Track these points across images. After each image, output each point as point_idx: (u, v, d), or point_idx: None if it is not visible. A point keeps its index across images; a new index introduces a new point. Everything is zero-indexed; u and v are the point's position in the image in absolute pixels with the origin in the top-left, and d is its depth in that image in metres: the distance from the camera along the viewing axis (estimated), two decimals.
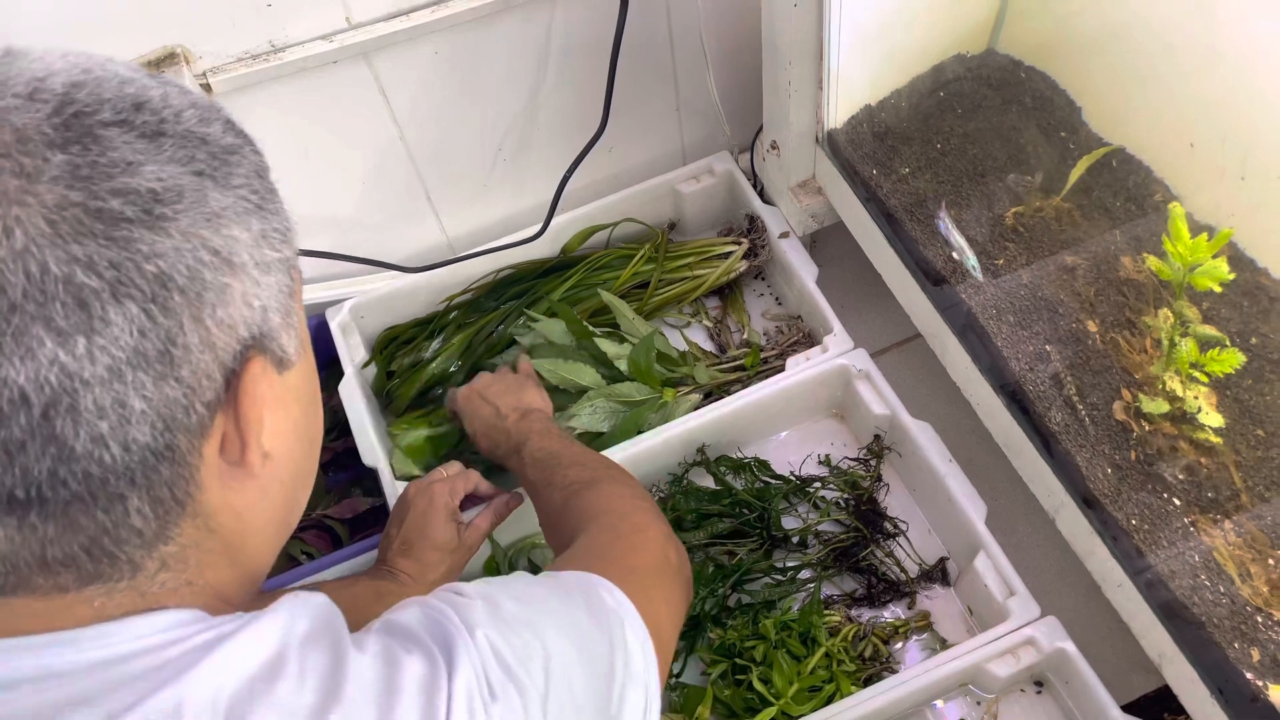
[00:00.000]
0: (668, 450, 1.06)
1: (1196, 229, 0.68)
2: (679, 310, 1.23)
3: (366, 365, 1.18)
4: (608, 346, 1.10)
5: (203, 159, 0.40)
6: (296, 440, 0.47)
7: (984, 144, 0.95)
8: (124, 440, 0.37)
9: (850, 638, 0.95)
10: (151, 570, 0.41)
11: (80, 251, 0.35)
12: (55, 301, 0.35)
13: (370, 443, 1.07)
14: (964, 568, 0.98)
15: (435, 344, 1.21)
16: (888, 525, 1.03)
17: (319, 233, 1.15)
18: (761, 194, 1.23)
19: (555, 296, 1.19)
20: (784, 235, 1.18)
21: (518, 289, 1.22)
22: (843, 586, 1.02)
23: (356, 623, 0.47)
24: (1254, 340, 0.72)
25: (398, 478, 1.05)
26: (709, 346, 1.20)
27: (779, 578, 1.01)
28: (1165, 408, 0.75)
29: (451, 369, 1.18)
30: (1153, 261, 0.70)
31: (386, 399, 1.18)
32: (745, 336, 1.20)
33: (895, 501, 1.06)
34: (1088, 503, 0.82)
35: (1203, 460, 0.74)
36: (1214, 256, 0.65)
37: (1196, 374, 0.71)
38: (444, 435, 1.10)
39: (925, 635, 0.98)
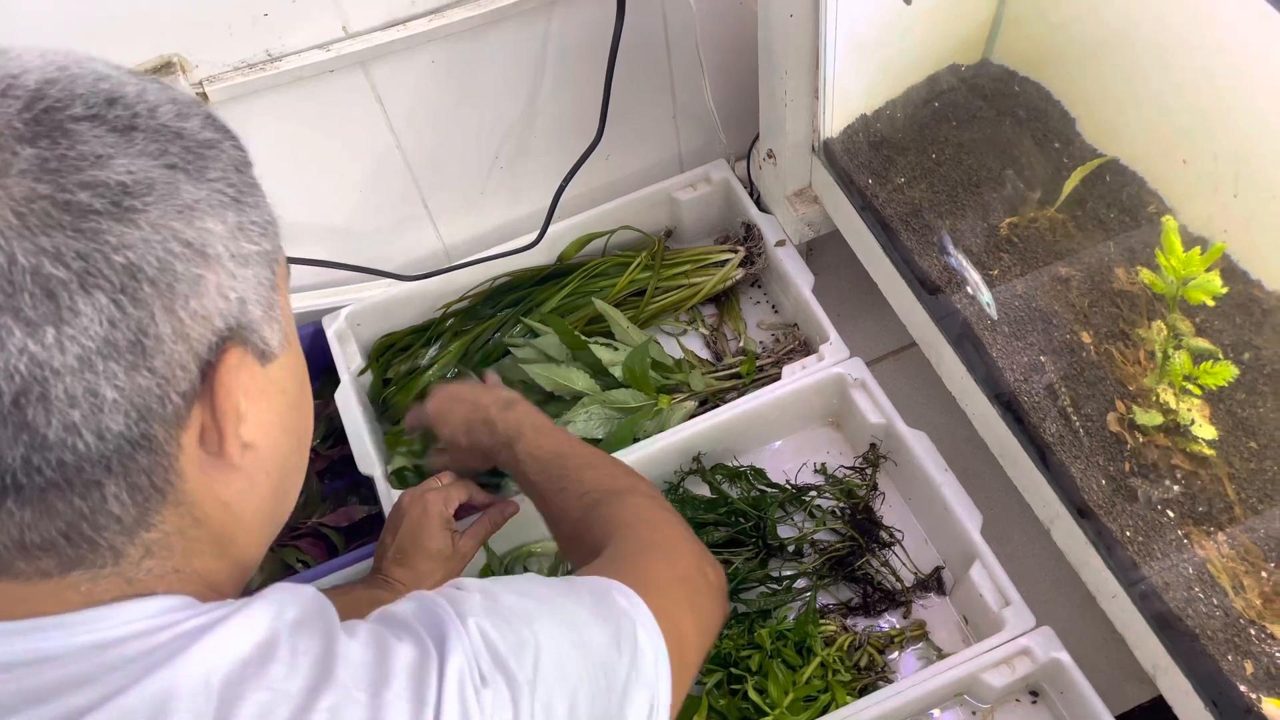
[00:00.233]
0: (663, 458, 1.06)
1: (1190, 241, 0.68)
2: (675, 318, 1.23)
3: (363, 373, 1.18)
4: (602, 353, 1.11)
5: (176, 153, 0.40)
6: (282, 433, 0.47)
7: (979, 154, 0.95)
8: (97, 428, 0.37)
9: (846, 647, 0.95)
10: (135, 557, 0.41)
11: (48, 243, 0.36)
12: (23, 292, 0.35)
13: (366, 450, 1.07)
14: (959, 577, 0.98)
15: (432, 351, 1.21)
16: (883, 534, 1.03)
17: (315, 241, 1.15)
18: (758, 202, 1.24)
19: (551, 304, 1.19)
20: (780, 243, 1.19)
21: (514, 296, 1.22)
22: (838, 596, 1.02)
23: None
24: (1246, 355, 0.72)
25: (393, 486, 1.05)
26: (705, 354, 1.20)
27: (775, 587, 1.01)
28: (1159, 420, 0.75)
29: (448, 376, 1.18)
30: (1146, 274, 0.71)
31: (383, 407, 1.18)
32: (741, 344, 1.20)
33: (891, 510, 1.06)
34: (1082, 513, 0.82)
35: (1196, 472, 0.74)
36: (1207, 270, 0.65)
37: (1190, 386, 0.71)
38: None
39: (921, 645, 0.98)
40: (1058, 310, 0.84)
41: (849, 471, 1.09)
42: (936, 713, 0.94)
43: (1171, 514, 0.75)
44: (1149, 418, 0.75)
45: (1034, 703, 0.93)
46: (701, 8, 1.07)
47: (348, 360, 1.15)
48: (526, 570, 1.05)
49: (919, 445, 1.00)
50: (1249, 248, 0.73)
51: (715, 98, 1.16)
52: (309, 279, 1.18)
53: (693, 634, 0.60)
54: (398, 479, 1.08)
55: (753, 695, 0.91)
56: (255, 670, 0.40)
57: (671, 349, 1.19)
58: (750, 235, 1.22)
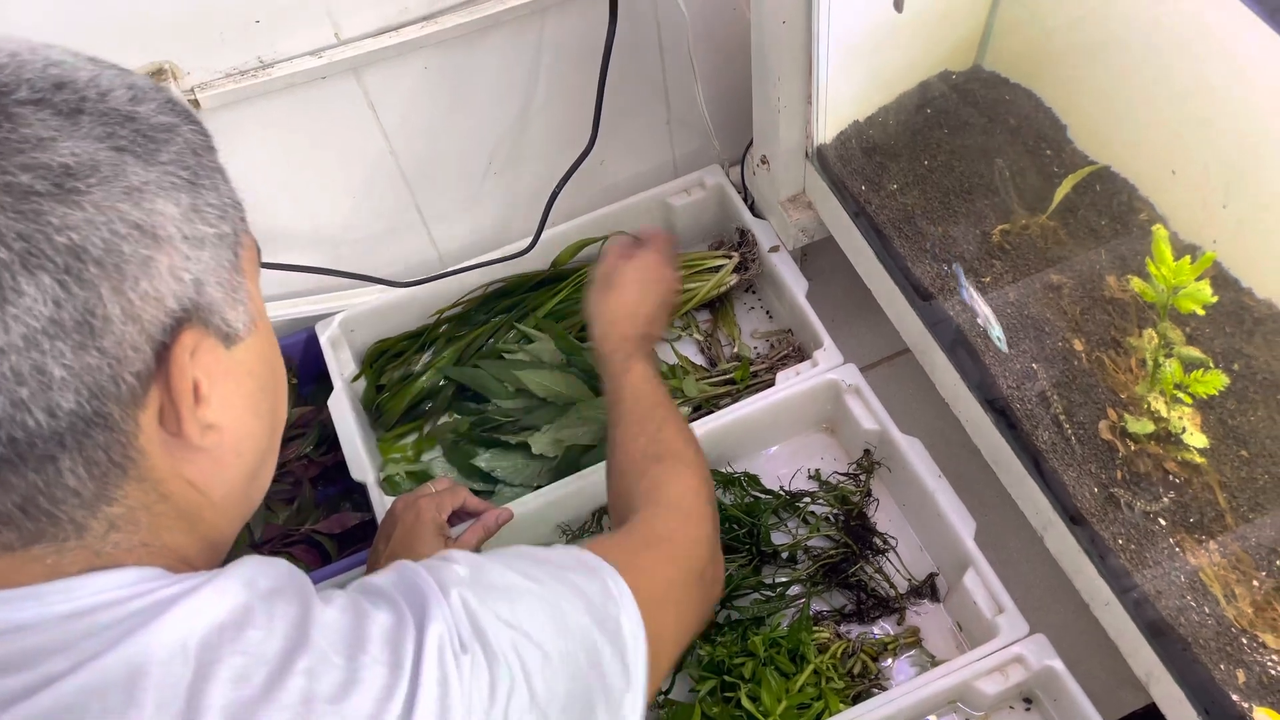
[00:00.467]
0: None
1: (1181, 249, 0.68)
2: (669, 324, 1.23)
3: (356, 379, 1.18)
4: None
5: (126, 135, 0.41)
6: (251, 415, 0.47)
7: (970, 161, 0.95)
8: (47, 405, 0.38)
9: (839, 654, 0.95)
10: (100, 530, 0.42)
11: None
12: None
13: (359, 457, 1.07)
14: (953, 584, 0.98)
15: (425, 357, 1.21)
16: (877, 541, 1.03)
17: (309, 247, 1.15)
18: (752, 208, 1.24)
19: (545, 310, 1.19)
20: (774, 249, 1.19)
21: (508, 302, 1.22)
22: (832, 602, 1.02)
23: None
24: (1236, 365, 0.72)
25: (386, 492, 1.05)
26: (699, 360, 1.20)
27: (768, 594, 1.01)
28: (1150, 428, 0.75)
29: (441, 382, 1.18)
30: (1136, 283, 0.71)
31: (376, 413, 1.18)
32: (735, 350, 1.20)
33: (885, 517, 1.06)
34: (1075, 521, 0.82)
35: (1188, 481, 0.74)
36: (1197, 279, 0.65)
37: (1181, 395, 0.71)
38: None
39: (914, 652, 0.98)
40: (1050, 318, 0.84)
41: (843, 478, 1.09)
42: None
43: (1163, 522, 0.75)
44: (1140, 426, 0.75)
45: (1028, 710, 0.93)
46: (694, 13, 1.07)
47: (341, 366, 1.15)
48: None
49: (913, 451, 1.00)
50: (1240, 255, 0.73)
51: (708, 103, 1.16)
52: (302, 285, 1.18)
53: (672, 635, 0.61)
54: (390, 485, 1.08)
55: (746, 703, 0.91)
56: (232, 635, 0.41)
57: (665, 355, 1.19)
58: (744, 241, 1.22)
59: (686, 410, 1.10)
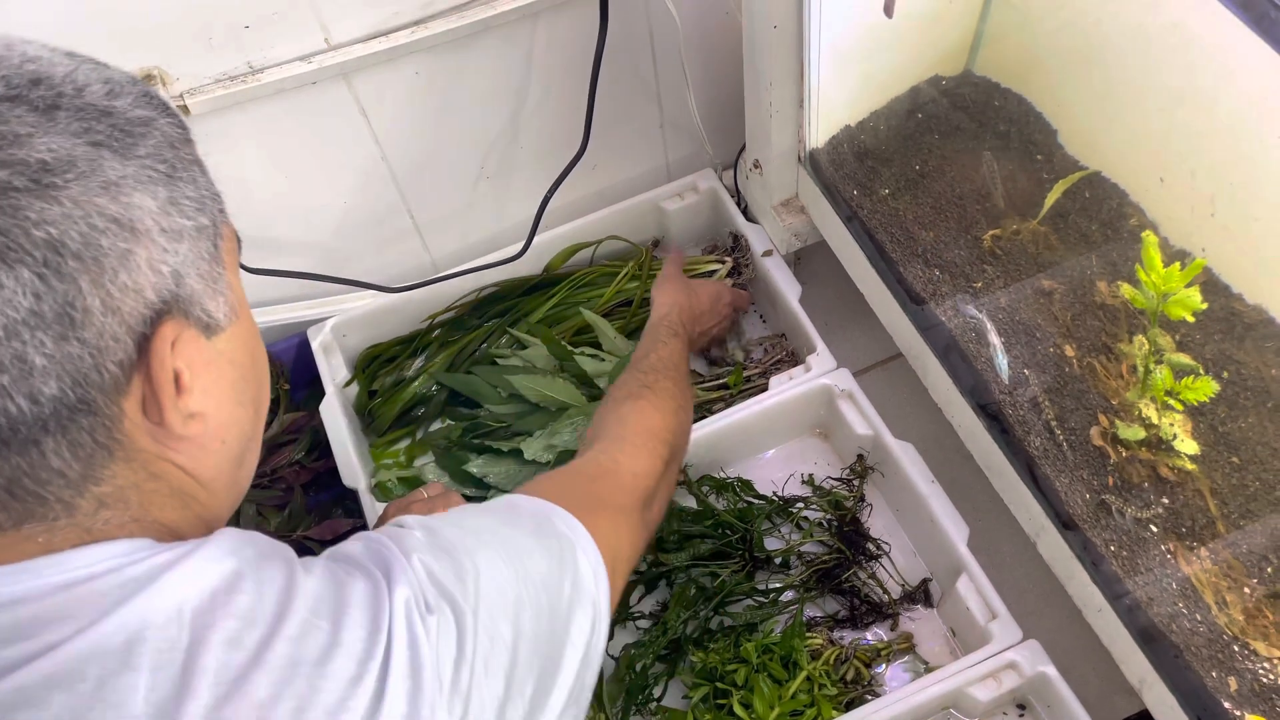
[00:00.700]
0: None
1: (1171, 255, 0.68)
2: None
3: (348, 384, 1.17)
4: (588, 364, 1.10)
5: (102, 130, 0.42)
6: (234, 403, 0.48)
7: (961, 166, 0.95)
8: (29, 392, 0.39)
9: (832, 661, 0.95)
10: (89, 509, 0.43)
11: None
12: None
13: (351, 463, 1.07)
14: (946, 589, 0.97)
15: (418, 363, 1.20)
16: (870, 546, 1.03)
17: (301, 252, 1.14)
18: (745, 212, 1.23)
19: (538, 315, 1.19)
20: (768, 253, 1.18)
21: (501, 307, 1.22)
22: (825, 608, 1.01)
23: None
24: (1226, 373, 0.72)
25: (378, 499, 1.05)
26: (693, 364, 1.20)
27: (761, 600, 1.00)
28: (1141, 434, 0.74)
29: (434, 388, 1.17)
30: (1127, 290, 0.70)
31: (368, 418, 1.17)
32: (729, 355, 1.20)
33: (878, 522, 1.06)
34: (1067, 526, 0.82)
35: (1179, 487, 0.74)
36: (1187, 286, 0.64)
37: (1171, 401, 0.71)
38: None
39: (908, 658, 0.98)
40: (1041, 323, 0.84)
41: (836, 483, 1.08)
42: None
43: (1155, 528, 0.75)
44: (1131, 432, 0.75)
45: (1021, 716, 0.93)
46: (686, 18, 1.07)
47: (333, 372, 1.15)
48: None
49: (906, 456, 1.00)
50: (1230, 261, 0.73)
51: (701, 108, 1.16)
52: (294, 290, 1.17)
53: (626, 552, 0.65)
54: (382, 491, 1.08)
55: (738, 710, 0.90)
56: (224, 600, 0.42)
57: None
58: (738, 245, 1.22)
59: None
